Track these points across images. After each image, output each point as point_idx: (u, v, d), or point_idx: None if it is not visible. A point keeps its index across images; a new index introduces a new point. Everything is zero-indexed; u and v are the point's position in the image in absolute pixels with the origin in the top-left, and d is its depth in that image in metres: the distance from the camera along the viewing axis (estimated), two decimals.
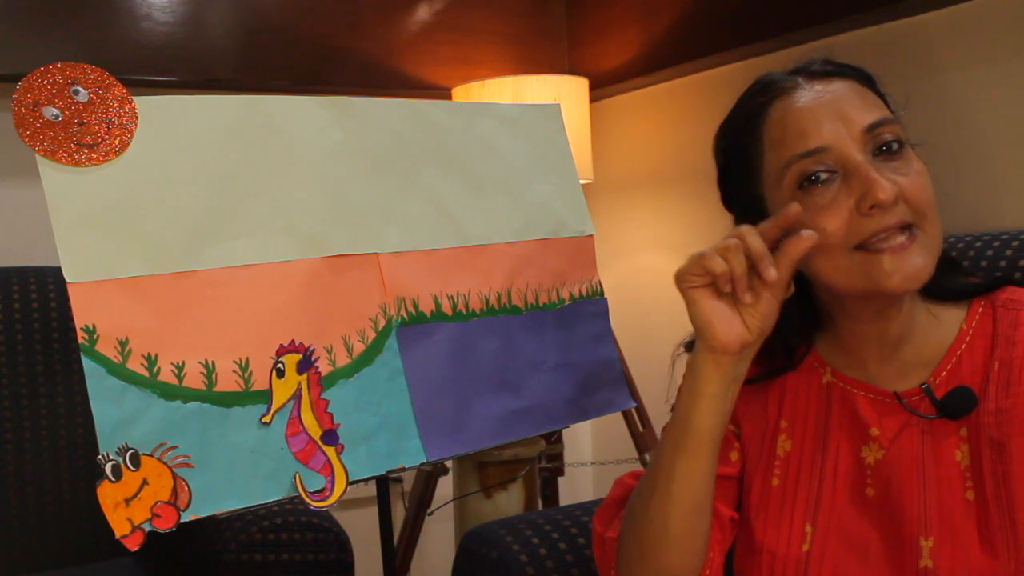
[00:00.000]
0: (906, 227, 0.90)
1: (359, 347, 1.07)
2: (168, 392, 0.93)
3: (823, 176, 0.91)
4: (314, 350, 1.03)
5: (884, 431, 0.96)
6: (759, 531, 1.00)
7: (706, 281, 0.91)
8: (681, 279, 0.92)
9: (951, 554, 0.89)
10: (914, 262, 0.89)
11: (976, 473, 0.91)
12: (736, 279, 0.89)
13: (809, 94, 0.94)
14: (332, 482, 1.02)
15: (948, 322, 0.97)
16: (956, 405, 0.92)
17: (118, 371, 0.91)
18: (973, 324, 0.96)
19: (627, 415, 2.09)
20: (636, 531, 0.99)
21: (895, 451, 0.95)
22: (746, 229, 0.90)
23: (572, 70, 2.38)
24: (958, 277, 0.99)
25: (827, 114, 0.92)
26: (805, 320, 1.02)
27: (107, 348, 0.91)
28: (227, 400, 0.97)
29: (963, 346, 0.95)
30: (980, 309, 0.97)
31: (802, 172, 0.92)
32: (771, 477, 1.02)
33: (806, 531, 0.97)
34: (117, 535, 0.90)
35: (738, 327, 0.91)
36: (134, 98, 0.95)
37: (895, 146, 0.91)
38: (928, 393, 0.94)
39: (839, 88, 0.94)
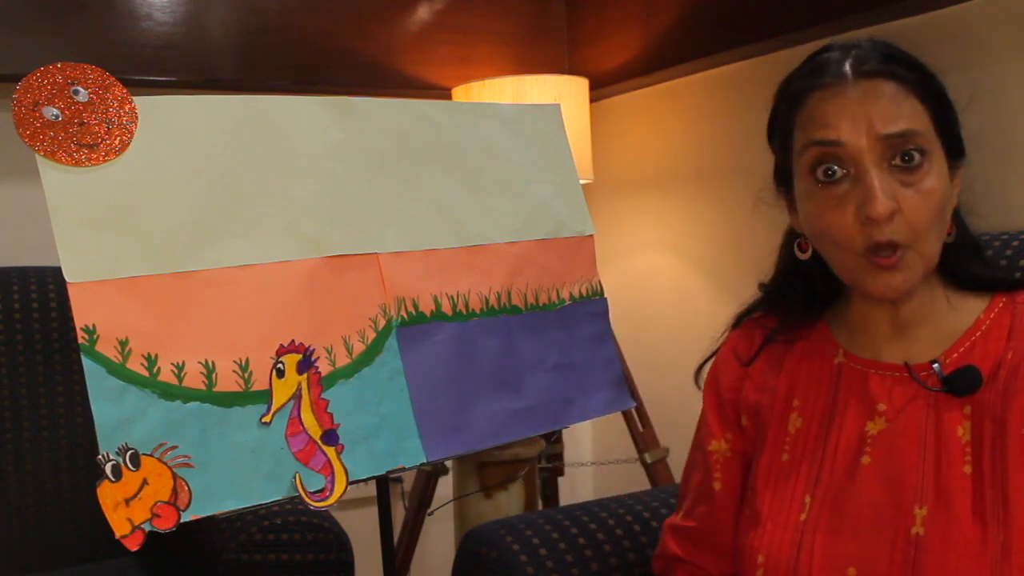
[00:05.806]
0: (895, 246, 0.94)
1: (359, 347, 1.07)
2: (168, 392, 0.93)
3: (837, 172, 0.96)
4: (314, 350, 1.03)
5: (891, 404, 0.99)
6: (764, 504, 1.03)
7: None
8: None
9: (943, 523, 0.92)
10: (895, 279, 0.95)
11: (976, 448, 0.94)
12: None
13: (848, 91, 0.96)
14: (332, 482, 1.02)
15: (965, 311, 1.01)
16: (961, 382, 0.96)
17: (118, 371, 0.91)
18: (991, 316, 0.99)
19: (627, 415, 2.09)
20: None
21: (900, 422, 0.98)
22: None
23: (572, 70, 2.37)
24: (983, 269, 1.03)
25: (854, 114, 0.95)
26: (822, 287, 1.08)
27: (107, 348, 0.91)
28: (227, 400, 0.97)
29: (978, 333, 0.99)
30: (1001, 304, 1.00)
31: (816, 157, 0.97)
32: (781, 453, 1.05)
33: (805, 501, 1.00)
34: (117, 535, 0.90)
35: None
36: (134, 98, 0.95)
37: (909, 158, 0.94)
38: (936, 369, 0.98)
39: (879, 91, 0.95)
